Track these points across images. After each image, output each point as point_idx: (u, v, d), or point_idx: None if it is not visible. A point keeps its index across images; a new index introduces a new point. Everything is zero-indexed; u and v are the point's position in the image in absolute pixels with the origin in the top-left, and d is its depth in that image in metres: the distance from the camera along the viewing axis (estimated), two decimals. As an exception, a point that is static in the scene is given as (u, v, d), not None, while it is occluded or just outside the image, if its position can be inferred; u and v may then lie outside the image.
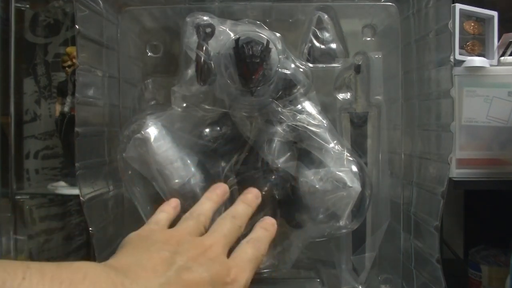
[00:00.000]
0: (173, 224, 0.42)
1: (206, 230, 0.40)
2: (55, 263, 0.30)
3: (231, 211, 0.42)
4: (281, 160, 0.49)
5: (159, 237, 0.37)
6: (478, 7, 0.65)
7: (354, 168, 0.48)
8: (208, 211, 0.42)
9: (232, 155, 0.50)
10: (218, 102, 0.49)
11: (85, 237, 0.93)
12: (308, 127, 0.48)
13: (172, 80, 0.51)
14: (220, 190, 0.45)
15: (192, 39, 0.47)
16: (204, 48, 0.46)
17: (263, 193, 0.48)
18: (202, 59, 0.46)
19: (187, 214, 0.42)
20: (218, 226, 0.40)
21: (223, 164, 0.50)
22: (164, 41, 0.57)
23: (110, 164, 0.54)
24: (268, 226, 0.43)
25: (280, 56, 0.46)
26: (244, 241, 0.40)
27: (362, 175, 0.48)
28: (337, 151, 0.48)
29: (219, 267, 0.36)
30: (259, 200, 0.45)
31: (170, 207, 0.44)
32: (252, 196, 0.45)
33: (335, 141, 0.48)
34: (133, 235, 0.38)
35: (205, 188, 0.47)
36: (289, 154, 0.49)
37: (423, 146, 0.52)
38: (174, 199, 0.45)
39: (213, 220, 0.42)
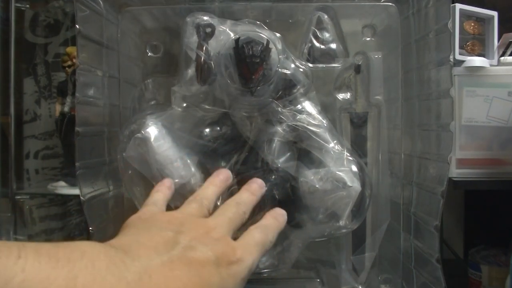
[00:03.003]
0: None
1: (210, 214, 0.40)
2: (52, 243, 0.30)
3: (235, 197, 0.42)
4: (281, 160, 0.49)
5: (161, 218, 0.37)
6: (478, 7, 0.65)
7: (354, 168, 0.48)
8: (211, 196, 0.42)
9: (232, 155, 0.50)
10: (218, 102, 0.49)
11: (85, 237, 0.93)
12: (308, 127, 0.48)
13: (172, 80, 0.51)
14: (223, 175, 0.45)
15: (192, 39, 0.47)
16: (204, 48, 0.46)
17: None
18: (202, 59, 0.46)
19: (190, 197, 0.41)
20: (223, 210, 0.40)
21: (223, 164, 0.50)
22: (164, 41, 0.57)
23: (110, 164, 0.54)
24: (278, 216, 0.43)
25: (280, 56, 0.46)
26: (252, 227, 0.40)
27: (362, 175, 0.48)
28: (337, 151, 0.48)
29: (224, 246, 0.35)
30: (263, 190, 0.45)
31: (165, 187, 0.44)
32: (256, 186, 0.45)
33: (335, 141, 0.48)
34: (134, 217, 0.38)
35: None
36: (289, 154, 0.49)
37: (423, 146, 0.52)
38: (167, 179, 0.46)
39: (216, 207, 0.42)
